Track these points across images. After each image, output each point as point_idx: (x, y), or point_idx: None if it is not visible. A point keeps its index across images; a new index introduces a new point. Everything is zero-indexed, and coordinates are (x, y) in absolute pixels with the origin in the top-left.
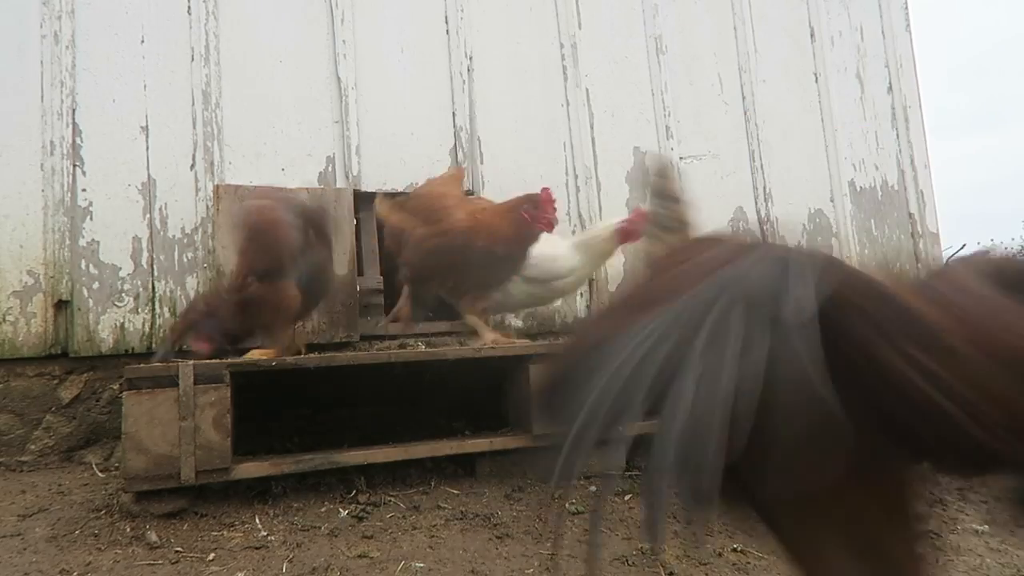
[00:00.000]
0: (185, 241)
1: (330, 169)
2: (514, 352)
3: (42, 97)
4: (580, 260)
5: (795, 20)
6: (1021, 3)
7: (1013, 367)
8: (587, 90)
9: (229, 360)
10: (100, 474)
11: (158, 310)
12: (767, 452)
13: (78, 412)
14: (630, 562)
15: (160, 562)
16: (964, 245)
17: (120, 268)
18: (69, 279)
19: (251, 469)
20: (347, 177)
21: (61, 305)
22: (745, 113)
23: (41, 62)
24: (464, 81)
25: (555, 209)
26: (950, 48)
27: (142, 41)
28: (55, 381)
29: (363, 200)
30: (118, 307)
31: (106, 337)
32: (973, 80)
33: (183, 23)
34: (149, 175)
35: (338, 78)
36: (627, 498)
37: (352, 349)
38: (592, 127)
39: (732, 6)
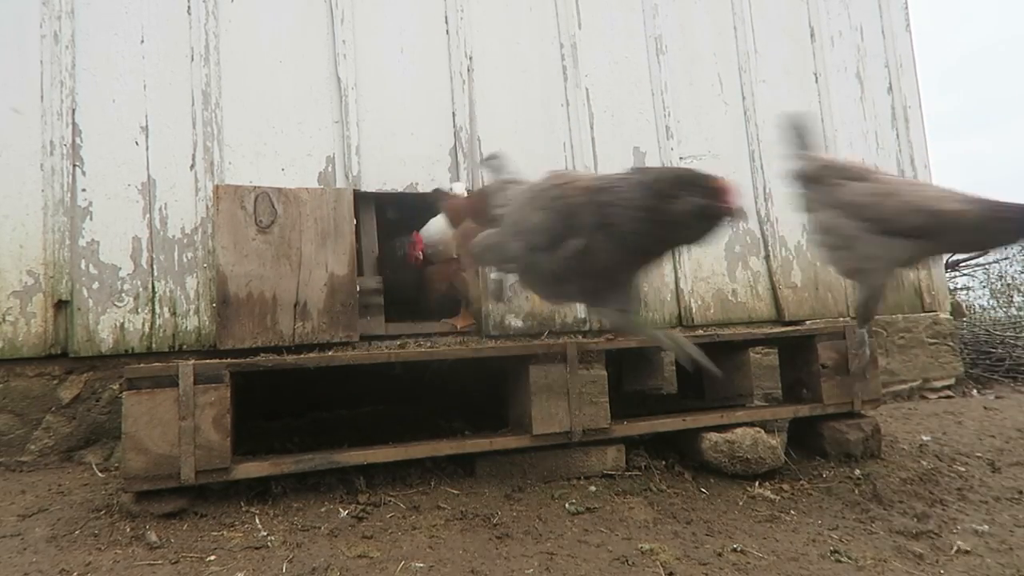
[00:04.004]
0: (185, 241)
1: (330, 169)
2: (514, 352)
3: (42, 97)
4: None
5: (795, 20)
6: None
7: None
8: (587, 90)
9: (229, 360)
10: (100, 474)
11: (158, 310)
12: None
13: (78, 412)
14: (630, 562)
15: (160, 562)
16: None
17: (120, 268)
18: (69, 279)
19: (251, 469)
20: (347, 177)
21: (61, 305)
22: (745, 113)
23: (41, 62)
24: (464, 81)
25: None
26: (950, 47)
27: (142, 41)
28: (55, 381)
29: (363, 200)
30: (118, 307)
31: (106, 337)
32: (973, 80)
33: (183, 23)
34: (149, 175)
35: (338, 78)
36: (627, 498)
37: (352, 349)
38: (592, 127)
39: (732, 6)
